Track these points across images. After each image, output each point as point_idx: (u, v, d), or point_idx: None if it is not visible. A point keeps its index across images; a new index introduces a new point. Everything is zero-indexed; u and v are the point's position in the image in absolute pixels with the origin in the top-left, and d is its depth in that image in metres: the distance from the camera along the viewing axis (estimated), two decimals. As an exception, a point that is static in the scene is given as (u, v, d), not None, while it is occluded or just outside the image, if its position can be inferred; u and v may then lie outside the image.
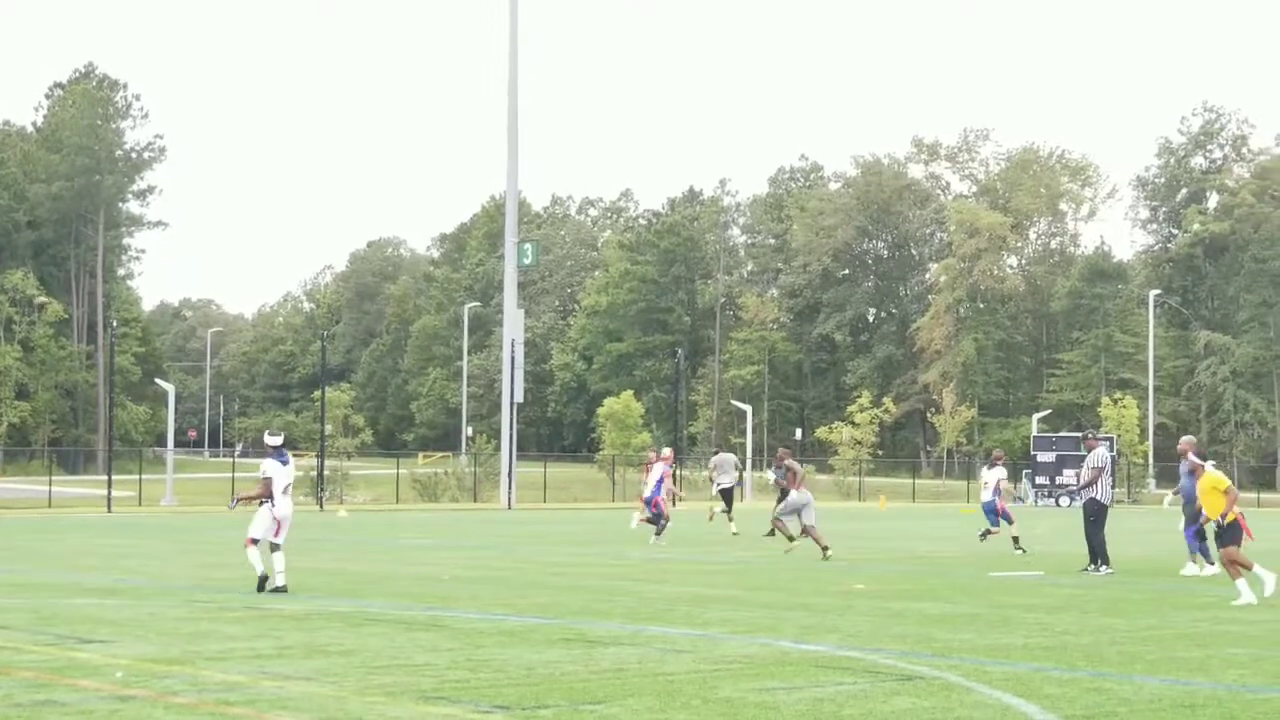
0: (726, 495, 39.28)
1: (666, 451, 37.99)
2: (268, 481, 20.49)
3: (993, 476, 31.19)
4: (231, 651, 13.98)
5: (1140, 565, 27.47)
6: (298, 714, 10.46)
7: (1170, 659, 13.85)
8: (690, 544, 34.25)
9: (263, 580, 20.41)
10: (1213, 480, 20.35)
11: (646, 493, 34.88)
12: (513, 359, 58.05)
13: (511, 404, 59.19)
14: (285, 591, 20.14)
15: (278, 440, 21.01)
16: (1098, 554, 24.87)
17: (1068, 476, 57.23)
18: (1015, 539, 30.77)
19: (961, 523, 49.42)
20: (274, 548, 20.50)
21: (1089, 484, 24.70)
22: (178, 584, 22.36)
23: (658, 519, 33.90)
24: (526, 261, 62.58)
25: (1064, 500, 69.47)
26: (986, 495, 31.13)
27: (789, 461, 31.45)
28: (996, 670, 12.87)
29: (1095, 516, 24.92)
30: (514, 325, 59.67)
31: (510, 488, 59.49)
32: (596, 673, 12.60)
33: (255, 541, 20.58)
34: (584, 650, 14.10)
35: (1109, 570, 24.69)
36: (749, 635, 15.44)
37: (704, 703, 10.98)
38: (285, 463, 20.75)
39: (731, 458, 41.46)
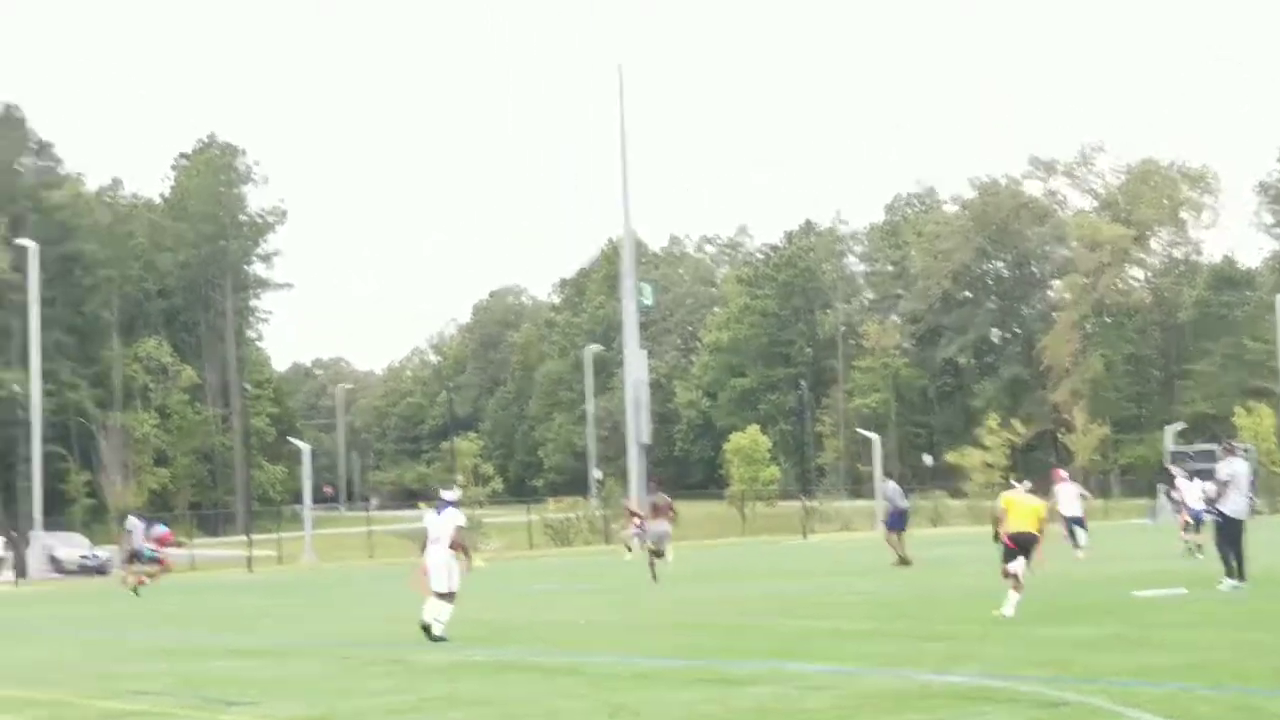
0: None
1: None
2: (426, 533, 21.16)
3: (1194, 488, 31.36)
4: (375, 707, 14.14)
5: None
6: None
7: (1321, 673, 13.60)
8: (818, 576, 34.10)
9: (425, 629, 20.65)
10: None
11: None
12: (637, 400, 58.18)
13: (638, 445, 59.32)
14: (437, 640, 20.37)
15: (447, 495, 21.56)
16: (1228, 567, 24.40)
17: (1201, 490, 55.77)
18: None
19: (1098, 542, 48.73)
20: (440, 596, 20.74)
21: (1216, 497, 24.43)
22: (321, 641, 22.62)
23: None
24: (646, 302, 62.89)
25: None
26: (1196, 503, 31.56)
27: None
28: (1144, 692, 12.70)
29: (1224, 530, 24.51)
30: (637, 366, 59.85)
31: (642, 529, 59.51)
32: (736, 712, 12.59)
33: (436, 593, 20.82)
34: (722, 690, 14.09)
35: (1234, 584, 24.10)
36: (888, 668, 15.34)
37: (848, 738, 10.94)
38: (438, 514, 21.16)
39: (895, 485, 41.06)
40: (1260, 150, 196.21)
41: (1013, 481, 23.85)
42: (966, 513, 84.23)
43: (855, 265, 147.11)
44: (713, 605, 26.01)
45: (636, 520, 45.55)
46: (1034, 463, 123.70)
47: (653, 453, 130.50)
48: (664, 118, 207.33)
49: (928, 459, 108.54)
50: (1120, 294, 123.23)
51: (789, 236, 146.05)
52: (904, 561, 36.63)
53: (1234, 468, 24.55)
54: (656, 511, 38.13)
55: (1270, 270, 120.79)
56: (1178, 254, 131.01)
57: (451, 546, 20.84)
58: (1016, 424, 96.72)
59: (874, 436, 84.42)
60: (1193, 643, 16.56)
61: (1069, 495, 38.99)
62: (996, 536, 21.86)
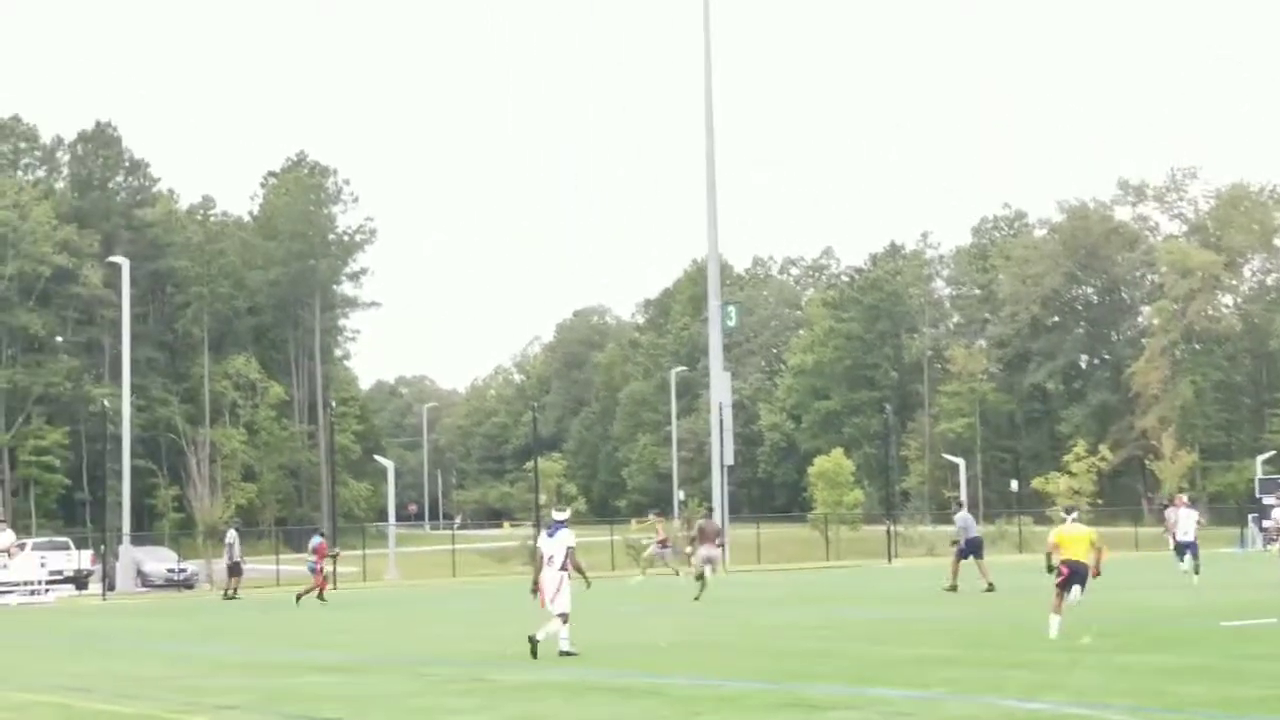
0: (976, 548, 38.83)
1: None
2: (539, 554, 21.65)
3: None
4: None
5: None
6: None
7: None
8: (902, 601, 33.90)
9: (532, 643, 20.92)
10: None
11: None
12: (721, 422, 58.14)
13: (722, 467, 59.27)
14: (565, 655, 20.97)
15: (559, 514, 21.98)
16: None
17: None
18: None
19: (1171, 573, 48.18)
20: (563, 617, 21.24)
21: None
22: (403, 658, 22.72)
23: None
24: (730, 324, 62.80)
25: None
26: None
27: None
28: (1230, 724, 12.55)
29: None
30: (721, 388, 59.79)
31: (724, 551, 59.43)
32: (818, 737, 12.54)
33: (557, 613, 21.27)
34: (804, 714, 14.04)
35: None
36: (972, 695, 15.22)
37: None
38: (551, 535, 21.55)
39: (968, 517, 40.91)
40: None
41: (1063, 514, 24.75)
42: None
43: (942, 289, 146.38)
44: (795, 629, 25.90)
45: (662, 540, 46.90)
46: (1121, 490, 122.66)
47: (736, 475, 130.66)
48: (751, 137, 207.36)
49: (1014, 485, 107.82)
50: (1210, 320, 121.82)
51: (874, 259, 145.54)
52: (953, 588, 36.76)
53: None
54: (704, 536, 39.07)
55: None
56: (1269, 280, 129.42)
57: (563, 567, 21.13)
58: (1105, 450, 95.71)
59: (959, 461, 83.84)
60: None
61: (1188, 520, 40.48)
62: (1050, 568, 22.80)
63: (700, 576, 36.95)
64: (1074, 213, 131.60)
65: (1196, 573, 37.73)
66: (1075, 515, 24.41)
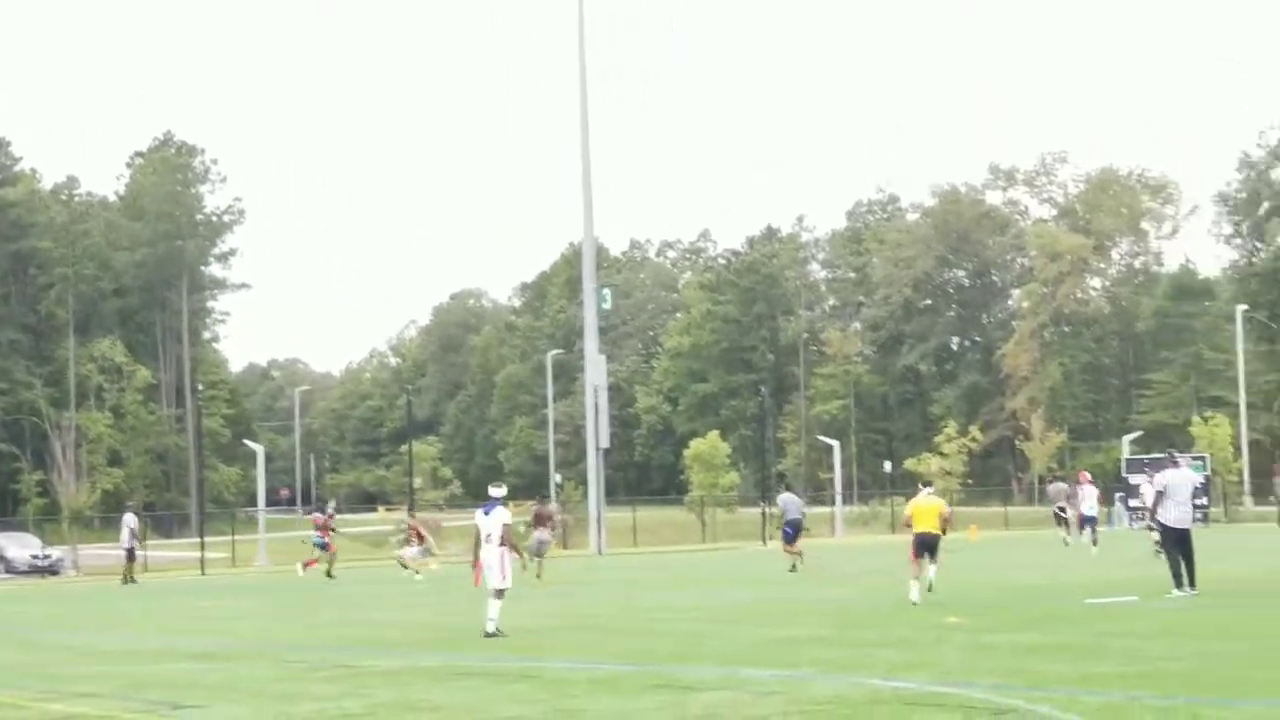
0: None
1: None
2: (476, 532, 21.91)
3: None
4: (321, 713, 14.00)
5: (1238, 586, 27.02)
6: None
7: (1271, 681, 13.59)
8: (777, 583, 34.07)
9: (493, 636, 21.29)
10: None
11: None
12: (596, 405, 58.06)
13: (597, 450, 59.19)
14: (495, 636, 21.16)
15: (495, 491, 22.16)
16: (1176, 577, 24.46)
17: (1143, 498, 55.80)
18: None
19: (1054, 550, 48.90)
20: (497, 593, 21.53)
21: (1154, 507, 24.99)
22: (270, 645, 22.43)
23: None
24: (605, 307, 62.64)
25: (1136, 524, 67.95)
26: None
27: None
28: (1091, 701, 12.68)
29: (1166, 539, 24.73)
30: (596, 371, 59.66)
31: (600, 533, 59.47)
32: (688, 718, 12.52)
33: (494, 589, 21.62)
34: (675, 696, 14.02)
35: (1179, 593, 24.15)
36: (840, 674, 15.30)
37: (795, 745, 10.89)
38: (487, 513, 21.77)
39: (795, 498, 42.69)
40: (1220, 161, 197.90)
41: (920, 486, 27.83)
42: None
43: (817, 272, 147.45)
44: (670, 612, 25.91)
45: (417, 538, 46.01)
46: (992, 470, 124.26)
47: (613, 457, 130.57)
48: (628, 121, 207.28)
49: (887, 466, 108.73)
50: (1079, 303, 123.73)
51: (751, 242, 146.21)
52: (793, 568, 38.27)
53: (1166, 478, 24.73)
54: (539, 520, 40.39)
55: (1229, 280, 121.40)
56: (1137, 264, 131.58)
57: (502, 543, 21.38)
58: (975, 431, 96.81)
59: (834, 443, 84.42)
60: (1142, 652, 16.56)
61: (1090, 496, 46.27)
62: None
63: (537, 555, 37.84)
64: (946, 197, 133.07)
65: (1095, 544, 42.79)
66: (930, 489, 27.51)
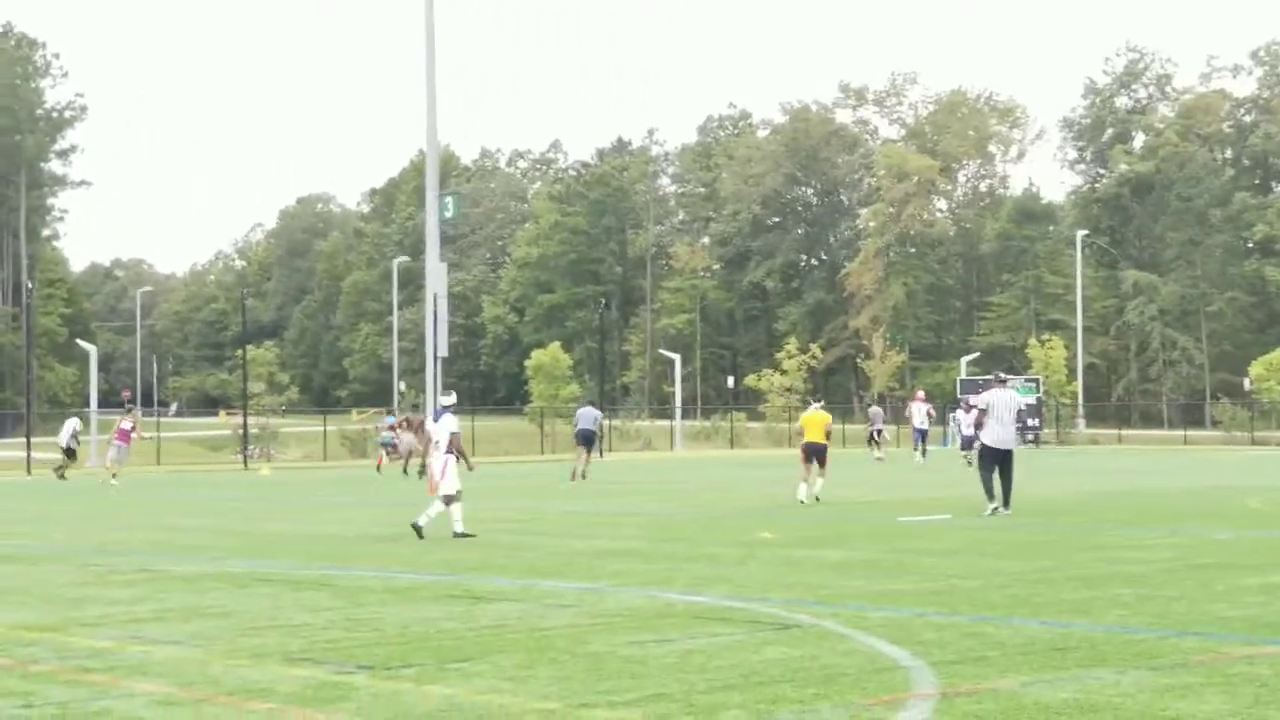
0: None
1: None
2: (426, 437, 23.13)
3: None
4: (109, 617, 13.73)
5: (1052, 507, 27.49)
6: (155, 680, 10.25)
7: (1056, 601, 13.80)
8: (607, 495, 34.15)
9: (416, 529, 21.84)
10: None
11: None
12: (436, 314, 57.48)
13: (435, 358, 58.61)
14: (460, 536, 21.81)
15: (445, 400, 23.16)
16: (989, 494, 24.83)
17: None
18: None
19: (881, 468, 49.57)
20: (447, 499, 22.12)
21: (976, 426, 25.48)
22: (78, 549, 21.99)
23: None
24: (448, 215, 61.90)
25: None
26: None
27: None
28: (877, 616, 12.79)
29: (984, 458, 25.04)
30: (437, 279, 58.85)
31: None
32: (473, 629, 12.43)
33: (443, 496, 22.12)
34: (466, 607, 13.93)
35: (991, 510, 24.54)
36: (639, 588, 15.30)
37: (572, 657, 10.84)
38: (436, 420, 22.67)
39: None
40: (1065, 87, 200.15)
41: (810, 400, 33.83)
42: (764, 435, 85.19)
43: (667, 186, 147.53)
44: (495, 523, 25.79)
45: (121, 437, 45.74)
46: (834, 387, 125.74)
47: (458, 367, 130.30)
48: (481, 30, 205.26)
49: (730, 381, 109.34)
50: (925, 224, 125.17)
51: (601, 154, 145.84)
52: (582, 475, 41.01)
53: (989, 398, 25.03)
54: (410, 427, 44.89)
55: (1072, 205, 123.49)
56: (983, 186, 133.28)
57: (449, 450, 21.96)
58: (815, 349, 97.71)
59: (675, 357, 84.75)
60: (943, 570, 16.75)
61: (920, 413, 52.47)
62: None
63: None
64: (796, 115, 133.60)
65: (924, 456, 51.19)
66: (819, 403, 31.80)
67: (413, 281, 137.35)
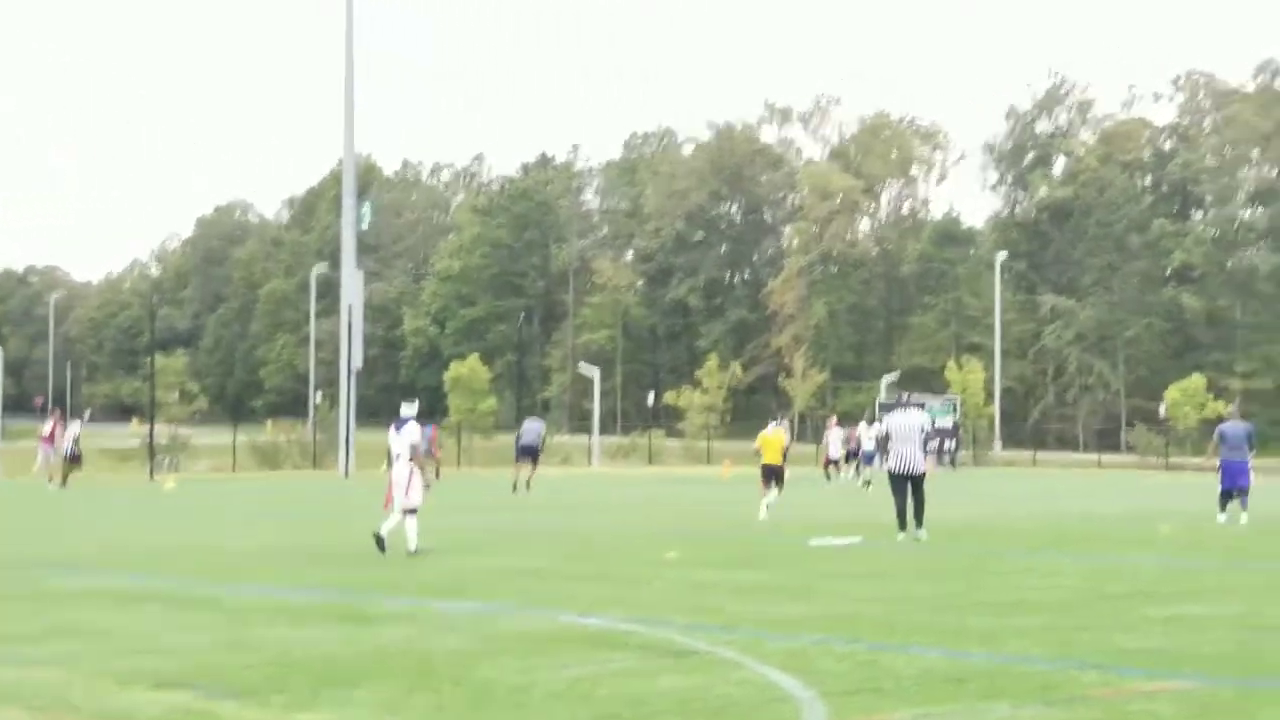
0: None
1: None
2: (388, 449, 22.01)
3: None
4: (-21, 635, 13.18)
5: (965, 529, 27.26)
6: (10, 705, 9.75)
7: (960, 629, 13.50)
8: (521, 510, 33.67)
9: (378, 540, 21.21)
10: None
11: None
12: (350, 324, 57.03)
13: (349, 369, 58.18)
14: (413, 554, 21.12)
15: (406, 409, 22.18)
16: (900, 520, 24.52)
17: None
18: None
19: (796, 487, 49.31)
20: (407, 511, 21.50)
21: (882, 449, 25.36)
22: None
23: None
24: (365, 224, 61.57)
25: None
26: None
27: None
28: (776, 644, 12.43)
29: (891, 482, 24.72)
30: (352, 289, 58.58)
31: (348, 455, 58.44)
32: (357, 652, 12.00)
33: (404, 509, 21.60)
34: (353, 629, 13.48)
35: (903, 536, 24.20)
36: (536, 609, 14.90)
37: (455, 684, 10.43)
38: (398, 429, 21.82)
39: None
40: (988, 111, 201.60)
41: (770, 421, 32.58)
42: (683, 453, 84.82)
43: (591, 201, 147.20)
44: (397, 538, 25.28)
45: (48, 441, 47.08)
46: (755, 406, 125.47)
47: (377, 378, 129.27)
48: (404, 40, 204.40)
49: (650, 398, 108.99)
50: (847, 244, 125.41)
51: (525, 168, 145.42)
52: (526, 486, 41.54)
53: (890, 423, 24.76)
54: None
55: (992, 229, 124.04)
56: (905, 208, 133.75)
57: (412, 460, 21.59)
58: (736, 367, 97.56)
59: (594, 371, 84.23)
60: (848, 594, 16.45)
61: (836, 439, 51.60)
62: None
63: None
64: (721, 132, 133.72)
65: (856, 475, 49.30)
66: (778, 422, 32.28)
67: (332, 291, 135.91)
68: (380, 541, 21.13)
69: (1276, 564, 21.04)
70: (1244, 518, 28.90)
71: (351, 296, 57.51)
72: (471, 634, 13.11)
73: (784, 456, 30.16)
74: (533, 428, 44.63)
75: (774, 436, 30.48)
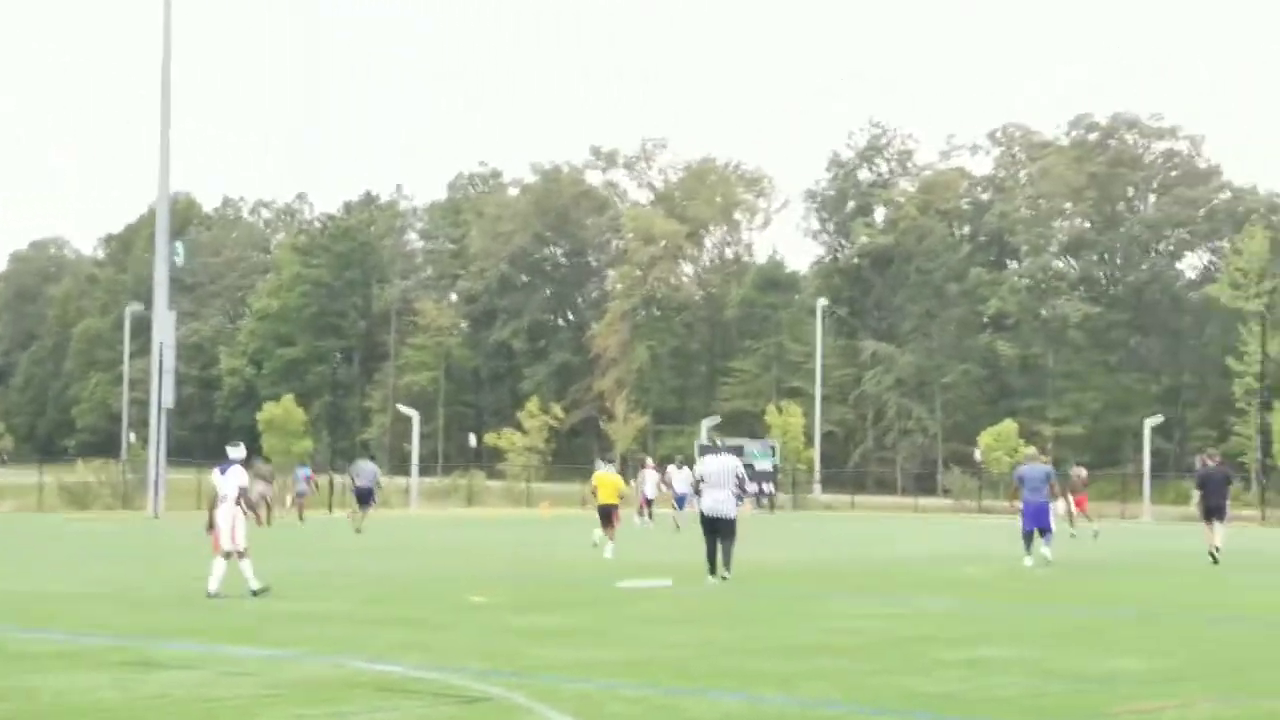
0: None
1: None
2: (212, 492, 21.66)
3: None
4: None
5: (776, 572, 27.29)
6: None
7: (758, 672, 13.38)
8: (336, 554, 33.09)
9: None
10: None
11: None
12: (161, 363, 55.87)
13: (159, 408, 56.94)
14: (263, 593, 20.89)
15: (233, 452, 21.99)
16: (710, 563, 24.43)
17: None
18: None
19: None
20: (226, 556, 21.10)
21: (696, 493, 25.43)
22: None
23: None
24: (179, 262, 60.49)
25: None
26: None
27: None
28: (570, 689, 12.21)
29: (702, 524, 24.65)
30: (164, 328, 57.44)
31: (158, 495, 57.18)
32: (133, 700, 11.55)
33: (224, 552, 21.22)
34: (136, 674, 12.99)
35: (712, 580, 24.08)
36: (330, 655, 14.49)
37: (232, 733, 10.04)
38: (223, 472, 21.58)
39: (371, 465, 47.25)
40: (811, 159, 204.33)
41: (602, 461, 34.43)
42: (504, 494, 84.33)
43: (415, 241, 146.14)
44: (198, 580, 24.60)
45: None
46: (577, 449, 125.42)
47: (191, 418, 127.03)
48: (225, 76, 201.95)
49: (472, 440, 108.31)
50: (671, 288, 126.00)
51: (348, 207, 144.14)
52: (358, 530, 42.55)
53: (703, 467, 24.75)
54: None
55: (814, 275, 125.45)
56: (729, 253, 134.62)
57: (237, 503, 21.31)
58: (557, 409, 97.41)
59: (413, 414, 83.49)
60: (652, 638, 16.28)
61: (650, 480, 51.01)
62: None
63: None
64: (547, 174, 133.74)
65: (643, 523, 48.02)
66: (610, 465, 34.15)
67: (147, 330, 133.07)
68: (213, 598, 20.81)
69: (1075, 607, 21.31)
70: (1048, 553, 29.37)
71: (164, 335, 56.39)
72: (260, 680, 12.70)
73: (620, 497, 31.85)
74: (367, 469, 45.99)
75: (609, 477, 31.87)
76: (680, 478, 49.75)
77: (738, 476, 24.77)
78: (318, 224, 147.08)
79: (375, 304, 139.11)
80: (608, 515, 31.07)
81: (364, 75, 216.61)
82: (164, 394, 56.31)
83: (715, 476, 24.34)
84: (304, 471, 57.51)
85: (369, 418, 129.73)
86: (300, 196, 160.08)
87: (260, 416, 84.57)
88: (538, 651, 14.87)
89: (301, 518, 52.44)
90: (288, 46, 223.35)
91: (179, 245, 60.71)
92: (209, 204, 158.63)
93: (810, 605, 20.80)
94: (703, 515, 24.56)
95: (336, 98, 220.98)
